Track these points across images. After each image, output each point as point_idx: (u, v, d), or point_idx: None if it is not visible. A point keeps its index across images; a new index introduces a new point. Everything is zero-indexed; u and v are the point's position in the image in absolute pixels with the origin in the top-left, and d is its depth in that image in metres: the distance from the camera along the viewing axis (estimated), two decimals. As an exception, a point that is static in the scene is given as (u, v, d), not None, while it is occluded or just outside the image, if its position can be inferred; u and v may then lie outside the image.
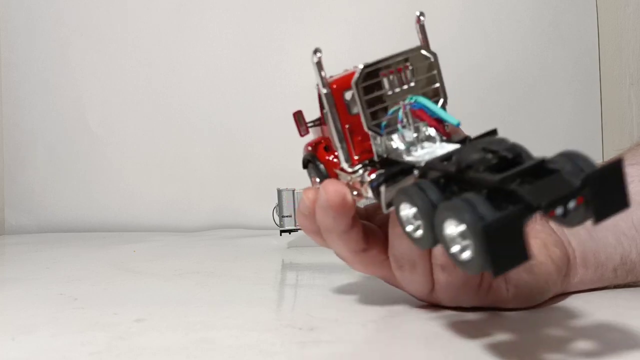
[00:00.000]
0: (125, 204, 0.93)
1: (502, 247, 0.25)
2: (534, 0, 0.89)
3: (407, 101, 0.34)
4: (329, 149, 0.38)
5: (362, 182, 0.34)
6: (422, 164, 0.31)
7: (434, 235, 0.28)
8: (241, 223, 0.90)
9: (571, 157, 0.27)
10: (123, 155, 0.94)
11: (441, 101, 0.35)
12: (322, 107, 0.37)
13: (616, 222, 0.41)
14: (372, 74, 0.34)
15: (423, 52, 0.35)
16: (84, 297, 0.47)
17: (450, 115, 0.33)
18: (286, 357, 0.32)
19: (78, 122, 0.94)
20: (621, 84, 0.89)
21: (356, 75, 0.33)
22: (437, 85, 0.35)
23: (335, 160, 0.37)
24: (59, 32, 0.94)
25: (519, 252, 0.25)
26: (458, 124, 0.33)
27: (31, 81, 0.95)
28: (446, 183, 0.29)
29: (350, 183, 0.35)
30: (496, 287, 0.37)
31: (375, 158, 0.34)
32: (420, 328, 0.36)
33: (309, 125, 0.39)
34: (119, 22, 0.93)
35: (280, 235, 0.69)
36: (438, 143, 0.34)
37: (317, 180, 0.39)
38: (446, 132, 0.34)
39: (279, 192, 0.68)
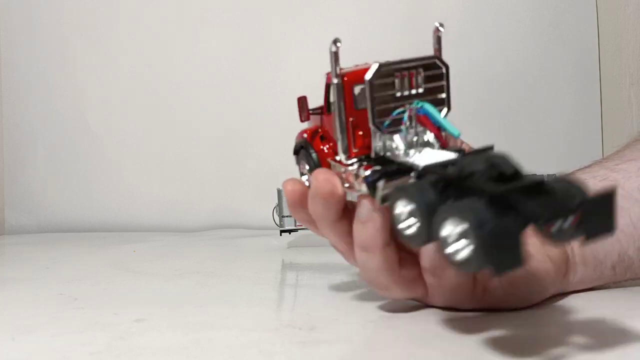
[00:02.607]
0: (125, 204, 0.93)
1: (502, 250, 0.26)
2: (534, 0, 0.89)
3: (413, 105, 0.35)
4: (325, 138, 0.39)
5: (356, 176, 0.35)
6: (420, 167, 0.32)
7: (428, 234, 0.29)
8: (241, 223, 0.90)
9: (568, 182, 0.29)
10: (123, 156, 0.94)
11: (445, 111, 0.37)
12: (326, 96, 0.38)
13: None
14: (386, 73, 0.35)
15: (437, 62, 0.36)
16: (84, 297, 0.47)
17: (453, 126, 0.34)
18: (286, 357, 0.32)
19: (78, 122, 0.94)
20: (621, 84, 0.89)
21: (371, 71, 0.34)
22: (444, 95, 0.37)
23: (327, 150, 0.38)
24: (59, 32, 0.94)
25: (516, 258, 0.26)
26: (458, 135, 0.34)
27: (31, 81, 0.95)
28: (444, 188, 0.30)
29: (343, 175, 0.36)
30: (492, 288, 0.37)
31: (372, 155, 0.35)
32: (420, 328, 0.36)
33: (310, 112, 0.40)
34: (119, 22, 0.93)
35: (280, 235, 0.69)
36: (435, 150, 0.35)
37: (307, 167, 0.40)
38: (444, 140, 0.35)
39: (279, 192, 0.68)
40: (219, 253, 0.70)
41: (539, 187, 0.28)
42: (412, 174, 0.33)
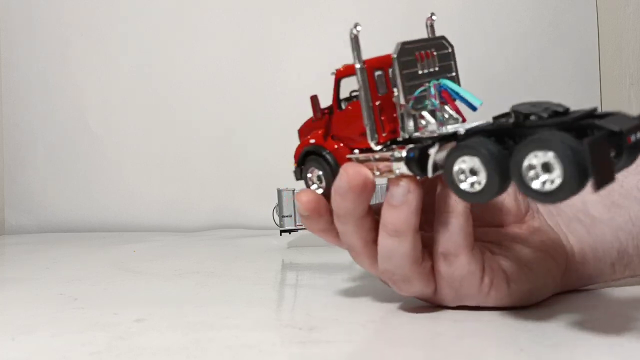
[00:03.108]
0: (125, 204, 0.93)
1: (598, 165, 0.27)
2: (534, 0, 0.89)
3: (434, 82, 0.36)
4: (337, 138, 0.39)
5: (393, 158, 0.35)
6: (462, 131, 0.33)
7: (499, 184, 0.30)
8: (241, 223, 0.90)
9: (612, 113, 0.31)
10: (123, 156, 0.94)
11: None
12: (336, 93, 0.38)
13: (613, 217, 0.41)
14: (408, 51, 0.36)
15: (444, 42, 0.38)
16: (84, 297, 0.47)
17: (474, 96, 0.36)
18: (286, 357, 0.32)
19: (78, 122, 0.94)
20: (621, 84, 0.89)
21: (397, 49, 0.35)
22: (454, 74, 0.38)
23: (342, 148, 0.38)
24: (59, 32, 0.94)
25: (609, 173, 0.28)
26: (480, 104, 0.35)
27: (31, 81, 0.95)
28: (499, 139, 0.31)
29: (373, 164, 0.36)
30: (497, 284, 0.37)
31: (400, 138, 0.36)
32: (420, 328, 0.36)
33: (325, 112, 0.40)
34: (119, 22, 0.93)
35: (280, 235, 0.69)
36: (460, 123, 0.36)
37: (319, 173, 0.39)
38: (463, 116, 0.36)
39: (279, 192, 0.68)
40: (219, 253, 0.70)
41: (593, 116, 0.30)
42: (433, 142, 0.34)
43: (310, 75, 0.88)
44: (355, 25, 0.35)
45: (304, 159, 0.40)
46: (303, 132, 0.41)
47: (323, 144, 0.39)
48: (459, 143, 0.32)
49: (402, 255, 0.36)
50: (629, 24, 0.89)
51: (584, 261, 0.41)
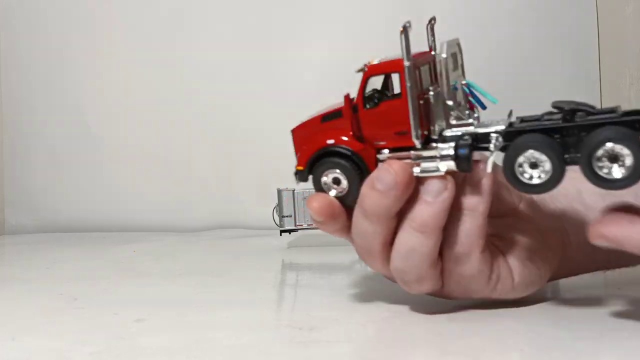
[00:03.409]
0: (125, 204, 0.93)
1: None
2: (534, 0, 0.89)
3: (462, 82, 0.38)
4: (363, 138, 0.38)
5: (436, 157, 0.35)
6: (501, 130, 0.35)
7: (560, 175, 0.33)
8: (241, 223, 0.90)
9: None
10: (123, 156, 0.94)
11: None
12: (362, 90, 0.37)
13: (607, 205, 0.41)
14: (448, 50, 0.37)
15: (458, 43, 0.40)
16: (84, 297, 0.47)
17: (491, 96, 0.38)
18: (286, 357, 0.32)
19: (78, 122, 0.94)
20: (621, 84, 0.89)
21: (447, 48, 0.37)
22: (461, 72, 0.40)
23: (365, 148, 0.37)
24: (59, 32, 0.94)
25: None
26: (496, 103, 0.38)
27: (31, 81, 0.95)
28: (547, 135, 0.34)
29: (414, 162, 0.36)
30: (503, 279, 0.38)
31: (434, 136, 0.36)
32: (420, 328, 0.36)
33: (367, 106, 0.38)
34: (119, 22, 0.93)
35: (280, 235, 0.69)
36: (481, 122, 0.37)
37: (336, 176, 0.38)
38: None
39: (279, 192, 0.68)
40: (219, 253, 0.70)
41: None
42: (497, 138, 0.35)
43: (311, 76, 0.88)
44: (407, 23, 0.35)
45: (315, 162, 0.39)
46: (303, 134, 0.40)
47: (350, 144, 0.38)
48: (517, 138, 0.34)
49: (421, 254, 0.36)
50: (629, 24, 0.89)
51: (579, 248, 0.41)
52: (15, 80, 0.96)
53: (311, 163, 0.39)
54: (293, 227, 0.68)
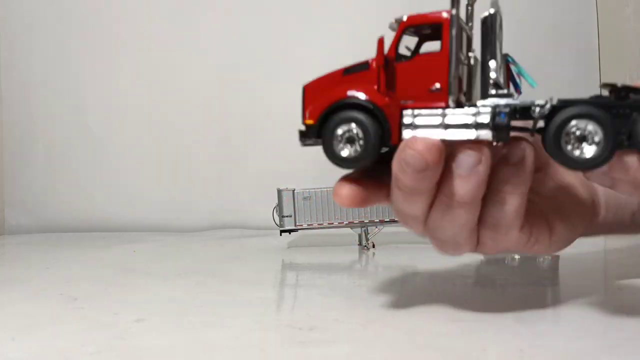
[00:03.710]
0: (125, 204, 0.93)
1: None
2: (534, 0, 0.89)
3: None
4: (388, 93, 0.33)
5: (470, 125, 0.32)
6: (543, 103, 0.32)
7: (612, 150, 0.31)
8: (241, 223, 0.90)
9: None
10: (123, 155, 0.94)
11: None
12: (396, 43, 0.34)
13: None
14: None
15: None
16: (84, 297, 0.47)
17: (532, 78, 0.35)
18: (286, 357, 0.32)
19: (78, 122, 0.94)
20: (621, 84, 0.89)
21: (495, 6, 0.34)
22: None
23: (389, 103, 0.33)
24: (59, 32, 0.94)
25: None
26: (536, 86, 0.35)
27: (31, 81, 0.95)
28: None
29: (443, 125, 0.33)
30: (541, 240, 0.37)
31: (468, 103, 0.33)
32: (420, 328, 0.36)
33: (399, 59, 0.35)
34: (119, 22, 0.93)
35: (280, 235, 0.69)
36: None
37: (353, 132, 0.33)
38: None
39: (279, 192, 0.68)
40: (219, 253, 0.70)
41: None
42: (538, 110, 0.32)
43: (310, 75, 0.88)
44: None
45: (329, 116, 0.34)
46: (318, 88, 0.35)
47: (373, 97, 0.33)
48: (585, 108, 0.32)
49: (460, 225, 0.34)
50: (629, 24, 0.89)
51: (607, 207, 0.42)
52: (15, 80, 0.96)
53: (324, 117, 0.34)
54: (293, 227, 0.68)
